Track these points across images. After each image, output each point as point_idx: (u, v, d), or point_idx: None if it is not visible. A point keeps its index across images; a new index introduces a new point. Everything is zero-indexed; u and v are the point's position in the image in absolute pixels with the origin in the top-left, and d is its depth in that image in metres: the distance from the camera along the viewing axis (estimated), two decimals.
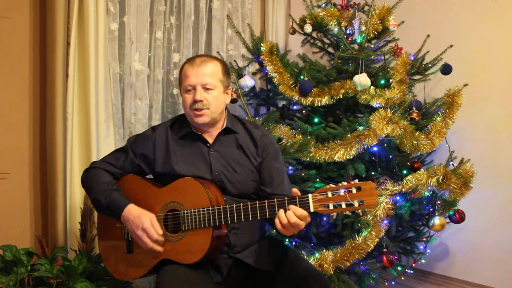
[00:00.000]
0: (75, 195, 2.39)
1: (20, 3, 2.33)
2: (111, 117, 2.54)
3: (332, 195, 1.46)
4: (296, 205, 1.50)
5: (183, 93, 1.73)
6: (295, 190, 1.52)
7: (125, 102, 2.68)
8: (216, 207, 1.58)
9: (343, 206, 1.45)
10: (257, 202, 1.56)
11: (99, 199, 1.69)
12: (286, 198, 1.52)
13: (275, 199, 1.53)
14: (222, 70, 1.75)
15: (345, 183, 1.48)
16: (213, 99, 1.69)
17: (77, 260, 2.06)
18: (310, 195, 1.48)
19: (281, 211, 1.50)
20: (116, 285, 2.09)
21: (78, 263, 2.04)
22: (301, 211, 1.48)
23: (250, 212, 1.55)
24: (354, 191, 1.44)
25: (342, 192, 1.45)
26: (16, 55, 2.33)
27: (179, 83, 1.78)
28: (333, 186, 1.49)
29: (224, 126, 1.77)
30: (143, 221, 1.60)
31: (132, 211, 1.64)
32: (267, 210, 1.54)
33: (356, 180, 1.48)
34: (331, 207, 1.46)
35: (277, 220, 1.50)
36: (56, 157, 2.30)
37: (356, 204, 1.43)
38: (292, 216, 1.48)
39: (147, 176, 1.84)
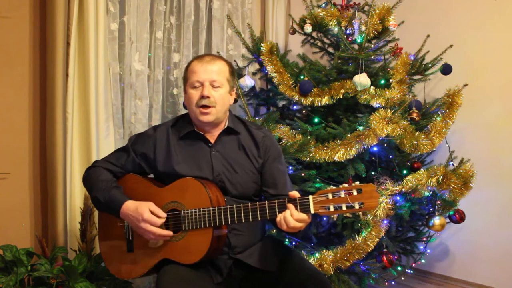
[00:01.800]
0: (75, 195, 2.39)
1: (20, 3, 2.33)
2: (111, 117, 2.54)
3: (333, 197, 1.46)
4: (296, 206, 1.50)
5: (189, 90, 1.73)
6: (293, 193, 1.52)
7: (125, 102, 2.68)
8: (216, 208, 1.58)
9: (344, 208, 1.45)
10: (257, 203, 1.56)
11: (98, 197, 1.69)
12: (286, 200, 1.52)
13: (276, 200, 1.53)
14: (229, 70, 1.76)
15: (345, 185, 1.48)
16: (219, 97, 1.70)
17: (77, 260, 2.06)
18: (310, 197, 1.48)
19: (279, 217, 1.51)
20: (116, 285, 2.09)
21: (78, 263, 2.05)
22: (298, 215, 1.49)
23: (250, 213, 1.55)
24: (354, 193, 1.44)
25: (342, 194, 1.45)
26: (16, 55, 2.33)
27: (185, 80, 1.77)
28: (334, 188, 1.48)
29: (226, 126, 1.77)
30: (142, 212, 1.59)
31: (129, 206, 1.63)
32: (267, 211, 1.54)
33: (357, 182, 1.48)
34: (331, 209, 1.46)
35: (282, 222, 1.51)
36: (56, 157, 2.30)
37: (357, 206, 1.44)
38: (290, 221, 1.48)
39: (148, 176, 1.85)
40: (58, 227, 2.31)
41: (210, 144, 1.75)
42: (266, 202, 1.55)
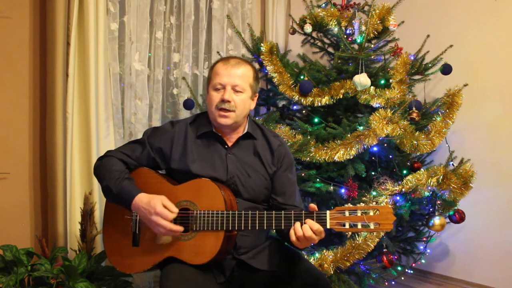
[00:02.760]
0: (75, 195, 2.39)
1: (20, 3, 2.33)
2: (111, 117, 2.54)
3: (349, 214, 1.48)
4: (313, 220, 1.50)
5: (210, 90, 1.71)
6: (313, 206, 1.52)
7: (125, 102, 2.68)
8: (231, 212, 1.57)
9: (359, 226, 1.47)
10: (273, 212, 1.56)
11: (110, 187, 1.65)
12: (303, 212, 1.52)
13: (292, 211, 1.53)
14: (253, 75, 1.74)
15: (363, 205, 1.51)
16: (240, 102, 1.68)
17: (77, 260, 2.06)
18: (328, 212, 1.49)
19: (297, 224, 1.50)
20: (116, 285, 2.09)
21: (78, 263, 2.05)
22: (318, 226, 1.48)
23: (265, 222, 1.55)
24: (371, 213, 1.46)
25: (359, 213, 1.47)
26: (16, 55, 2.33)
27: (208, 80, 1.76)
28: (351, 206, 1.50)
29: (245, 131, 1.76)
30: (155, 205, 1.57)
31: (142, 198, 1.61)
32: (282, 221, 1.54)
33: (374, 203, 1.50)
34: (347, 226, 1.47)
35: (292, 232, 1.50)
36: (56, 157, 2.30)
37: (372, 226, 1.46)
38: (308, 230, 1.48)
39: (160, 172, 1.82)
40: (58, 227, 2.31)
41: (227, 146, 1.74)
42: (282, 212, 1.55)
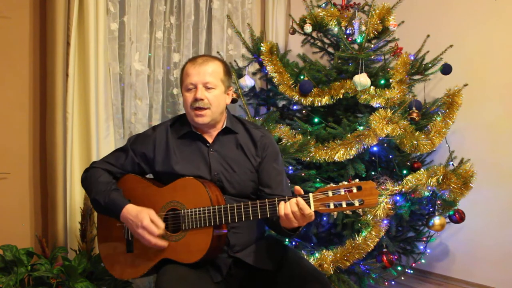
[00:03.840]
0: (75, 195, 2.39)
1: (20, 3, 2.33)
2: (111, 117, 2.54)
3: (333, 194, 1.46)
4: None
5: (184, 92, 1.73)
6: (298, 188, 1.52)
7: (125, 102, 2.68)
8: (216, 207, 1.58)
9: (344, 205, 1.45)
10: (257, 201, 1.56)
11: (98, 199, 1.69)
12: (286, 197, 1.52)
13: (276, 198, 1.53)
14: (223, 70, 1.75)
15: (345, 183, 1.49)
16: (214, 99, 1.70)
17: (77, 260, 2.06)
18: (310, 194, 1.49)
19: (282, 203, 1.50)
20: (116, 285, 2.09)
21: (78, 263, 2.04)
22: (303, 204, 1.47)
23: (251, 211, 1.55)
24: (354, 190, 1.45)
25: (342, 191, 1.45)
26: (16, 55, 2.33)
27: (180, 83, 1.78)
28: (334, 185, 1.49)
29: (224, 126, 1.77)
30: (142, 218, 1.60)
31: (130, 210, 1.64)
32: (267, 208, 1.54)
33: (357, 180, 1.48)
34: (331, 206, 1.46)
35: (280, 206, 1.49)
36: (56, 157, 2.30)
37: (357, 204, 1.44)
38: (293, 205, 1.47)
39: (147, 176, 1.84)
40: (58, 227, 2.31)
41: (208, 144, 1.75)
42: (266, 200, 1.55)
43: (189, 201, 1.62)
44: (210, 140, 1.76)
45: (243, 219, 1.56)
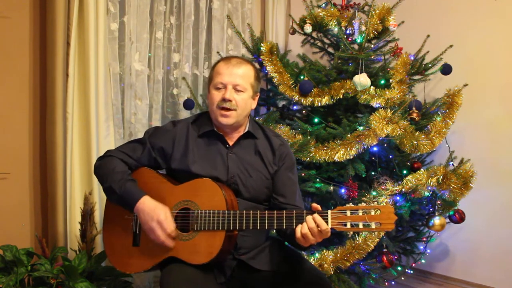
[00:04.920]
0: (75, 195, 2.39)
1: (20, 3, 2.33)
2: (111, 117, 2.54)
3: (351, 214, 1.47)
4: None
5: (212, 90, 1.72)
6: (315, 205, 1.52)
7: (125, 102, 2.68)
8: (232, 212, 1.58)
9: (360, 226, 1.46)
10: (275, 212, 1.55)
11: (114, 188, 1.64)
12: (305, 211, 1.51)
13: (294, 211, 1.53)
14: (254, 75, 1.75)
15: (364, 205, 1.53)
16: (241, 101, 1.69)
17: (77, 260, 2.06)
18: (329, 212, 1.49)
19: (299, 226, 1.49)
20: (116, 285, 2.09)
21: (78, 263, 2.05)
22: (320, 220, 1.47)
23: (266, 221, 1.55)
24: (372, 213, 1.46)
25: (361, 212, 1.47)
26: (16, 55, 2.33)
27: (209, 80, 1.77)
28: (353, 206, 1.50)
29: (246, 130, 1.76)
30: (159, 213, 1.58)
31: (147, 202, 1.61)
32: (284, 221, 1.54)
33: (376, 203, 1.50)
34: (348, 225, 1.47)
35: (297, 229, 1.49)
36: (56, 157, 2.30)
37: (373, 226, 1.45)
38: (311, 221, 1.47)
39: (160, 171, 1.82)
40: (58, 227, 2.31)
41: (228, 146, 1.74)
42: (284, 212, 1.54)
43: (204, 203, 1.61)
44: (230, 142, 1.75)
45: (258, 228, 1.56)
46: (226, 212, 1.58)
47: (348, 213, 1.48)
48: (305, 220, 1.48)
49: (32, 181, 2.39)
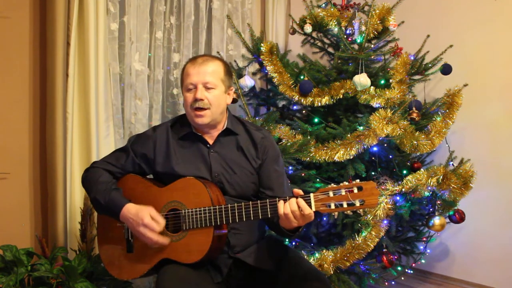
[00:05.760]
0: (75, 195, 2.39)
1: (20, 3, 2.33)
2: (111, 117, 2.54)
3: (334, 194, 1.46)
4: None
5: (184, 92, 1.73)
6: (297, 190, 1.52)
7: (125, 102, 2.68)
8: (217, 207, 1.58)
9: (345, 205, 1.45)
10: (258, 201, 1.56)
11: (98, 199, 1.68)
12: (288, 197, 1.52)
13: (277, 198, 1.53)
14: (224, 70, 1.74)
15: (346, 183, 1.49)
16: (214, 99, 1.69)
17: (77, 260, 2.06)
18: (311, 194, 1.49)
19: (281, 202, 1.50)
20: (116, 285, 2.09)
21: (78, 263, 2.05)
22: (303, 204, 1.47)
23: (251, 211, 1.55)
24: (355, 190, 1.45)
25: (343, 191, 1.45)
26: (16, 55, 2.33)
27: (181, 83, 1.78)
28: (335, 186, 1.49)
29: (225, 127, 1.77)
30: (143, 217, 1.60)
31: (130, 209, 1.63)
32: (268, 208, 1.54)
33: (358, 180, 1.49)
34: (332, 206, 1.46)
35: (279, 205, 1.49)
36: (56, 157, 2.30)
37: (358, 204, 1.44)
38: (293, 204, 1.47)
39: (148, 176, 1.84)
40: (58, 227, 2.31)
41: (208, 145, 1.75)
42: (267, 200, 1.54)
43: (190, 201, 1.62)
44: (210, 141, 1.76)
45: (244, 219, 1.56)
46: (212, 208, 1.58)
47: (331, 193, 1.46)
48: (288, 202, 1.48)
49: (32, 181, 2.39)
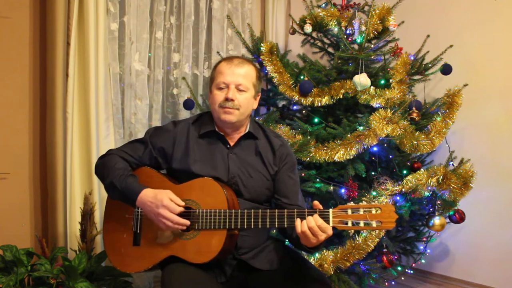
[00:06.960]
0: (75, 195, 2.39)
1: (20, 3, 2.33)
2: (111, 117, 2.54)
3: (352, 212, 1.48)
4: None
5: (214, 90, 1.72)
6: (316, 203, 1.52)
7: (125, 102, 2.68)
8: (233, 211, 1.58)
9: (361, 224, 1.47)
10: (276, 210, 1.55)
11: (115, 183, 1.65)
12: (306, 210, 1.52)
13: (295, 210, 1.53)
14: (256, 75, 1.75)
15: (365, 204, 1.52)
16: (244, 101, 1.69)
17: (77, 260, 2.06)
18: (331, 210, 1.49)
19: (298, 220, 1.50)
20: (116, 285, 2.09)
21: (78, 263, 2.05)
22: (322, 222, 1.47)
23: (268, 220, 1.55)
24: (373, 211, 1.47)
25: (362, 211, 1.47)
26: (16, 55, 2.33)
27: (211, 80, 1.77)
28: (354, 205, 1.51)
29: (247, 130, 1.76)
30: (162, 198, 1.58)
31: (148, 193, 1.61)
32: (285, 219, 1.54)
33: (376, 202, 1.50)
34: (349, 224, 1.47)
35: (297, 223, 1.49)
36: (56, 157, 2.30)
37: (374, 224, 1.46)
38: (311, 221, 1.47)
39: (161, 171, 1.82)
40: (58, 227, 2.31)
41: (228, 146, 1.74)
42: (285, 210, 1.54)
43: (205, 202, 1.61)
44: (231, 142, 1.75)
45: (260, 226, 1.56)
46: (228, 211, 1.58)
47: (349, 211, 1.48)
48: (306, 219, 1.48)
49: (32, 181, 2.39)
